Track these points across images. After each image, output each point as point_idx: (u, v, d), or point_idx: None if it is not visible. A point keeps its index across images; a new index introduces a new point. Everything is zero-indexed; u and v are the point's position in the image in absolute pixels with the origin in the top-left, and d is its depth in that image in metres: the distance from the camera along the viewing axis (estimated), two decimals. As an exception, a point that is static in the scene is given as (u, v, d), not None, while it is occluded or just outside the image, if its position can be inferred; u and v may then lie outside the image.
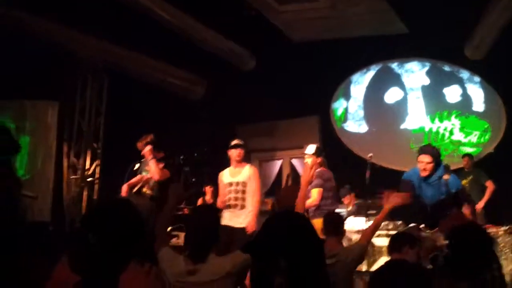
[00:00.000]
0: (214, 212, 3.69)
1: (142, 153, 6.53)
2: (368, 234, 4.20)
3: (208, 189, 8.54)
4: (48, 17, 7.59)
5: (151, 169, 6.43)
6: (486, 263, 2.77)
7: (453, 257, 2.79)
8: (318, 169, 6.36)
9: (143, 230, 2.14)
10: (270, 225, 1.83)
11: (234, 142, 6.41)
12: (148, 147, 6.45)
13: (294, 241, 1.75)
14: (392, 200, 4.12)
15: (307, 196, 5.76)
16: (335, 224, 4.30)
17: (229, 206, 6.04)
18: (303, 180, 4.07)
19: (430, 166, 5.36)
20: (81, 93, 9.12)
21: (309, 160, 6.38)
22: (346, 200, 8.31)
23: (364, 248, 4.13)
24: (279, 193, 8.39)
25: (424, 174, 5.41)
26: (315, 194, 6.06)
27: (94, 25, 8.00)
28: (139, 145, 6.60)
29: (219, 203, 6.25)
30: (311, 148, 6.52)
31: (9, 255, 3.43)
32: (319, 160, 6.38)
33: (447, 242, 4.71)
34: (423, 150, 5.55)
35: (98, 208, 2.60)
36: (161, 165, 6.49)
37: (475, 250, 2.78)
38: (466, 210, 5.47)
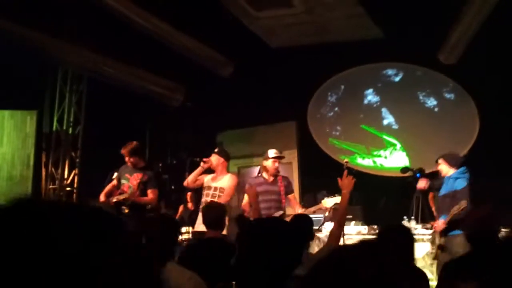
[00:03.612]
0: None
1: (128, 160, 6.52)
2: (334, 232, 3.97)
3: (190, 196, 8.60)
4: (27, 25, 7.55)
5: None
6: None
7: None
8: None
9: None
10: None
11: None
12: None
13: None
14: (348, 183, 4.01)
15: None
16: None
17: None
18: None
19: (440, 167, 6.19)
20: (60, 102, 9.11)
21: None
22: (324, 205, 8.37)
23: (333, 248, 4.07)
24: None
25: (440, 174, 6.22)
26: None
27: (73, 33, 7.99)
28: (124, 151, 6.55)
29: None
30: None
31: None
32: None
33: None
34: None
35: None
36: (141, 175, 6.45)
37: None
38: None
